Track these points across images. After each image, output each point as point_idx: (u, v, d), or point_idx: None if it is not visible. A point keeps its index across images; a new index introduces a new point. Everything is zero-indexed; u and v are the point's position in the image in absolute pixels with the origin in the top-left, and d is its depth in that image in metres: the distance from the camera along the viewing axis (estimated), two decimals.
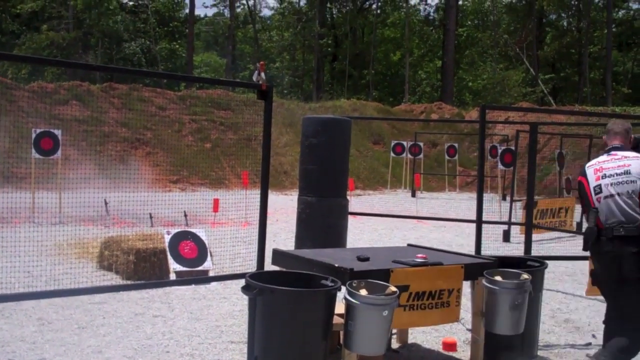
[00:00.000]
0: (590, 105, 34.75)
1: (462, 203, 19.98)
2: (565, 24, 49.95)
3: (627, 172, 4.78)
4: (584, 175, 5.00)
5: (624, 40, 49.44)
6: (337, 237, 7.67)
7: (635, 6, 49.43)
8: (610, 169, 4.86)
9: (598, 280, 5.13)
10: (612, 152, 4.98)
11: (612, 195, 4.79)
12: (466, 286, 5.29)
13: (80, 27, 40.29)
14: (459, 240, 12.55)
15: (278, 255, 5.34)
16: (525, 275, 5.18)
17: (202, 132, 24.21)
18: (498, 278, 5.13)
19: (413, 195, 22.41)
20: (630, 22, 49.47)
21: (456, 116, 30.35)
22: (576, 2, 47.10)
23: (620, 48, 49.48)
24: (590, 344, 6.18)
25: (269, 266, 5.46)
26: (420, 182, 23.75)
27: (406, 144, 24.51)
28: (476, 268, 5.25)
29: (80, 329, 5.96)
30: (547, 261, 6.04)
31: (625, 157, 4.89)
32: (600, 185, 4.86)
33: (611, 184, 4.81)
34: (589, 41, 44.72)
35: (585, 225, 5.09)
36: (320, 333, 4.29)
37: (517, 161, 15.84)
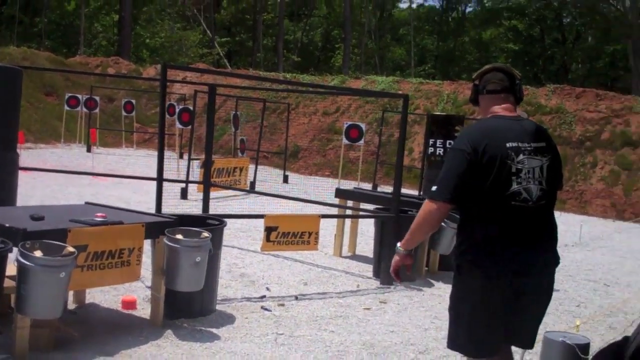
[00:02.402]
0: (263, 70, 36.34)
1: (140, 160, 19.77)
2: None
3: None
4: None
5: (295, 11, 52.53)
6: (6, 194, 7.10)
7: None
8: None
9: None
10: None
11: None
12: (147, 244, 5.27)
13: None
14: (137, 197, 12.41)
15: None
16: (205, 234, 5.30)
17: None
18: (179, 236, 5.18)
19: (89, 150, 21.63)
20: None
21: (133, 72, 29.74)
22: None
23: (291, 18, 52.50)
24: (264, 296, 6.53)
25: None
26: (97, 137, 22.97)
27: (81, 97, 23.47)
28: (157, 227, 5.25)
29: None
30: (224, 219, 6.24)
31: None
32: None
33: None
34: (263, 9, 46.69)
35: None
36: None
37: (195, 120, 16.07)
